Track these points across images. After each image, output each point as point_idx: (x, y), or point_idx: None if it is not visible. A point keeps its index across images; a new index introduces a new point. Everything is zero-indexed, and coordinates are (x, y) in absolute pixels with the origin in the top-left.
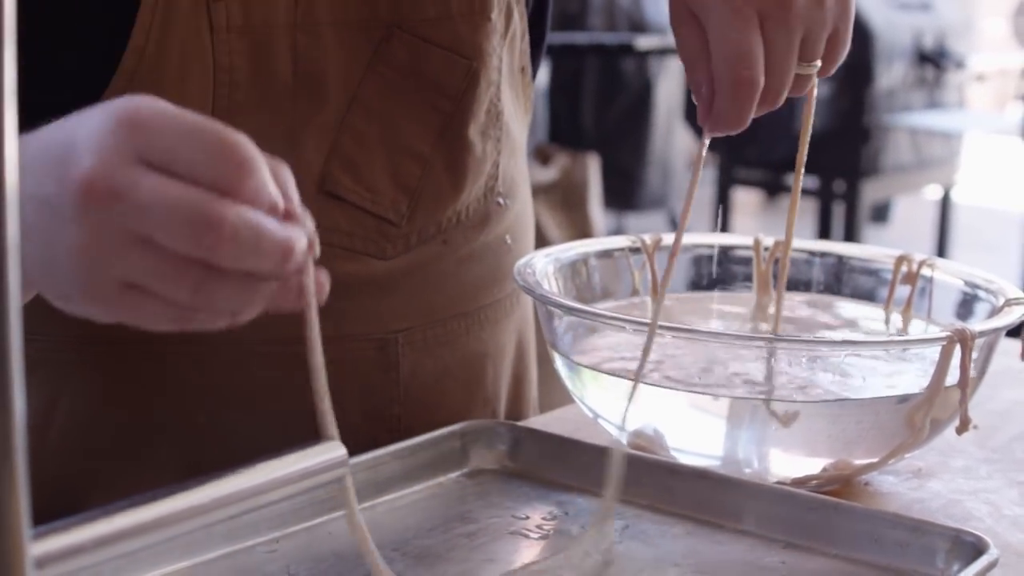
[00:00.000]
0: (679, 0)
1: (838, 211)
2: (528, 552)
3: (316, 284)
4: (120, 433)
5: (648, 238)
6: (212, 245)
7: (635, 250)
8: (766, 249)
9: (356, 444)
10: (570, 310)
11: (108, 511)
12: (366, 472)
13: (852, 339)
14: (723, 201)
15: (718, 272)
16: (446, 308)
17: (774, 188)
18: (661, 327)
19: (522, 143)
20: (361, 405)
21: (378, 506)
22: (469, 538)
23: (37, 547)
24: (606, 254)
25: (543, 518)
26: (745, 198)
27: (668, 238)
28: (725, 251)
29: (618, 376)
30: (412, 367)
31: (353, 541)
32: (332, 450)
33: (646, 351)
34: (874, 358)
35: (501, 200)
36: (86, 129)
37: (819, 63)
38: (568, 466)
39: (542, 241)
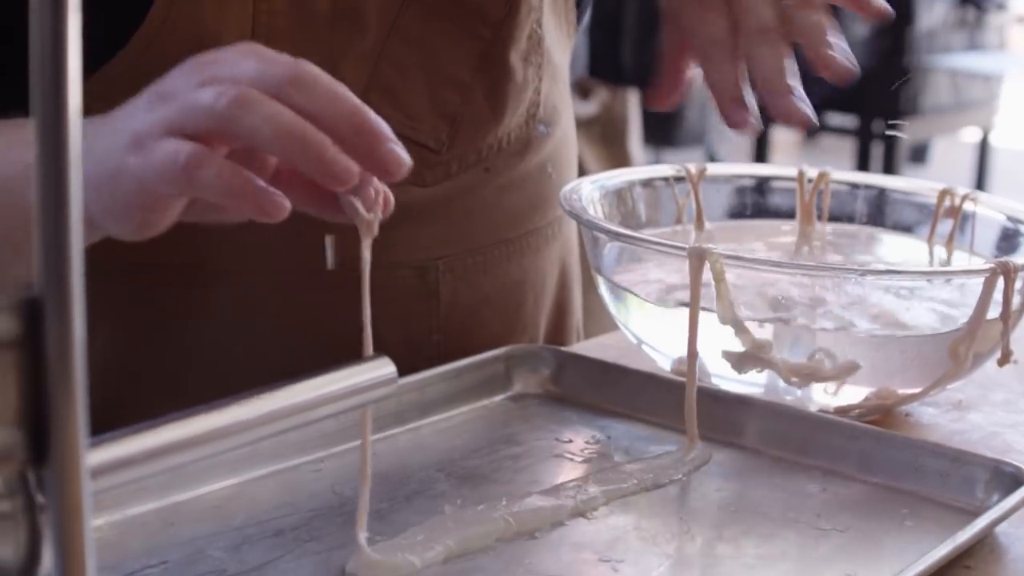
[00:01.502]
0: None
1: (876, 152)
2: (572, 475)
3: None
4: (156, 360)
5: (693, 167)
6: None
7: (679, 179)
8: (810, 181)
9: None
10: (616, 235)
11: (160, 423)
12: (411, 394)
13: (896, 269)
14: (762, 139)
15: (760, 203)
16: (486, 236)
17: (812, 127)
18: (711, 253)
19: (564, 70)
20: (401, 333)
21: (423, 427)
22: (513, 460)
23: (94, 456)
24: (651, 182)
25: (586, 442)
26: (782, 136)
27: (713, 167)
28: (767, 182)
29: (663, 303)
30: (452, 295)
31: (399, 460)
32: (381, 367)
33: (696, 281)
34: (917, 289)
35: (543, 127)
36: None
37: None
38: (611, 391)
39: (582, 175)
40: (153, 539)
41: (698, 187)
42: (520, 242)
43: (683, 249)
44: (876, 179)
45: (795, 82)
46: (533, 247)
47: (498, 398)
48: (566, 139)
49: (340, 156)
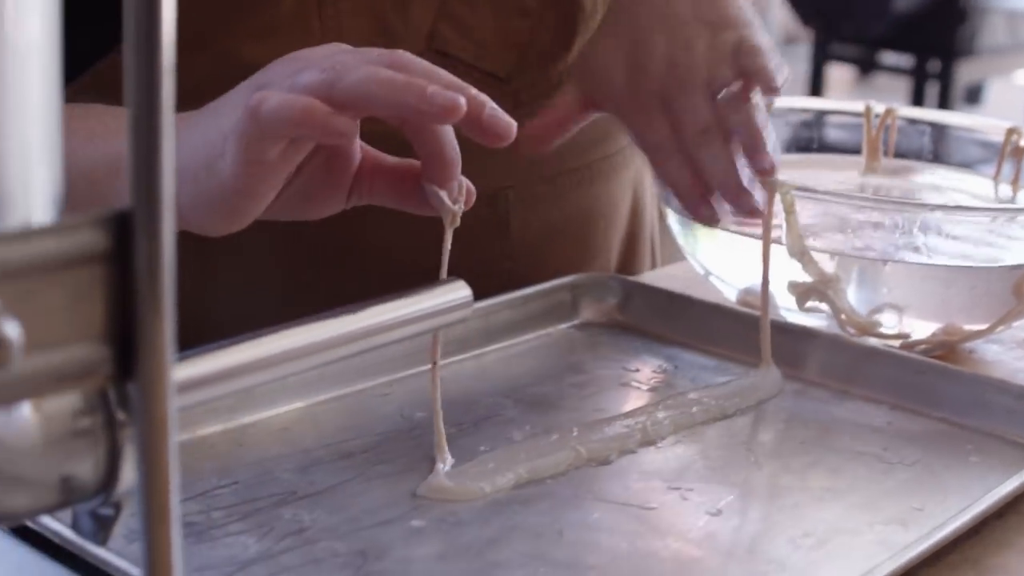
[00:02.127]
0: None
1: (931, 92)
2: (639, 404)
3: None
4: (232, 289)
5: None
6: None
7: None
8: (876, 115)
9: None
10: None
11: (242, 341)
12: (476, 321)
13: (966, 206)
14: (817, 77)
15: (823, 138)
16: (555, 164)
17: (868, 65)
18: (783, 184)
19: None
20: (472, 262)
21: (488, 354)
22: (580, 388)
23: (180, 371)
24: None
25: (653, 371)
26: (838, 74)
27: (781, 101)
28: (827, 116)
29: (732, 231)
30: (522, 223)
31: (466, 386)
32: (457, 290)
33: (769, 210)
34: (984, 226)
35: None
36: None
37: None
38: (677, 321)
39: None
40: (222, 460)
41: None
42: (589, 170)
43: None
44: (941, 116)
45: (742, 172)
46: (603, 175)
47: (564, 326)
48: None
49: (442, 91)
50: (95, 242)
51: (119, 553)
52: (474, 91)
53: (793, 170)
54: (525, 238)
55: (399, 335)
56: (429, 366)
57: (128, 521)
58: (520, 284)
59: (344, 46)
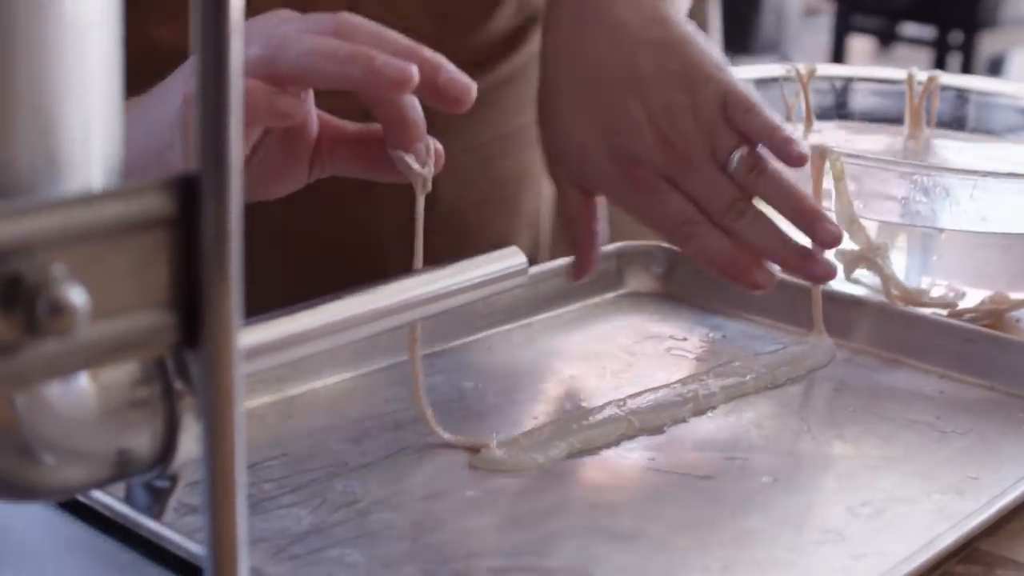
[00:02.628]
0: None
1: (953, 62)
2: (689, 373)
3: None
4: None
5: (803, 68)
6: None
7: (788, 79)
8: (919, 83)
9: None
10: None
11: (304, 308)
12: (525, 289)
13: (1019, 172)
14: (838, 49)
15: (866, 104)
16: (479, 132)
17: (888, 37)
18: (832, 152)
19: None
20: (399, 231)
21: (535, 324)
22: (629, 357)
23: (246, 338)
24: (762, 82)
25: (701, 340)
26: (859, 46)
27: (823, 68)
28: (853, 83)
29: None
30: (449, 193)
31: (513, 355)
32: (513, 257)
33: (818, 177)
34: None
35: (529, 22)
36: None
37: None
38: (723, 290)
39: None
40: (272, 431)
41: (807, 88)
42: (514, 138)
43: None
44: (983, 83)
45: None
46: (529, 143)
47: (610, 295)
48: None
49: (392, 60)
50: (161, 206)
51: (171, 526)
52: (428, 53)
53: (837, 137)
54: (454, 209)
55: (458, 301)
56: (479, 335)
57: (179, 494)
58: (447, 255)
59: (287, 13)
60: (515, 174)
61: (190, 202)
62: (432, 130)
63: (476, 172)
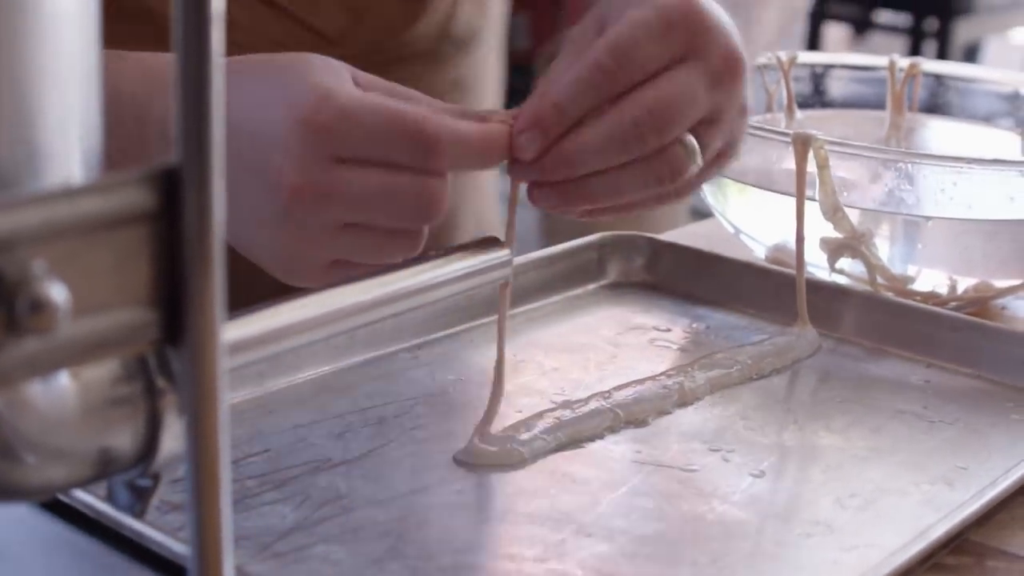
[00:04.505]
0: None
1: (928, 50)
2: (673, 364)
3: None
4: None
5: (784, 55)
6: (432, 214)
7: (768, 67)
8: (901, 70)
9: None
10: None
11: (287, 301)
12: None
13: (1004, 159)
14: (813, 36)
15: (843, 92)
16: None
17: (863, 24)
18: (816, 140)
19: None
20: None
21: (517, 316)
22: (613, 348)
23: (229, 333)
24: None
25: (684, 331)
26: (834, 33)
27: (804, 56)
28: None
29: (764, 189)
30: None
31: (495, 348)
32: (496, 249)
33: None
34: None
35: (452, 45)
36: (269, 126)
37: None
38: (707, 280)
39: None
40: (253, 426)
41: (789, 75)
42: None
43: (787, 135)
44: (965, 70)
45: None
46: None
47: (592, 286)
48: (484, 65)
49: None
50: (142, 200)
51: (154, 525)
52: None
53: (818, 125)
54: None
55: (442, 294)
56: (457, 329)
57: (160, 492)
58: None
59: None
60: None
61: (171, 195)
62: None
63: None
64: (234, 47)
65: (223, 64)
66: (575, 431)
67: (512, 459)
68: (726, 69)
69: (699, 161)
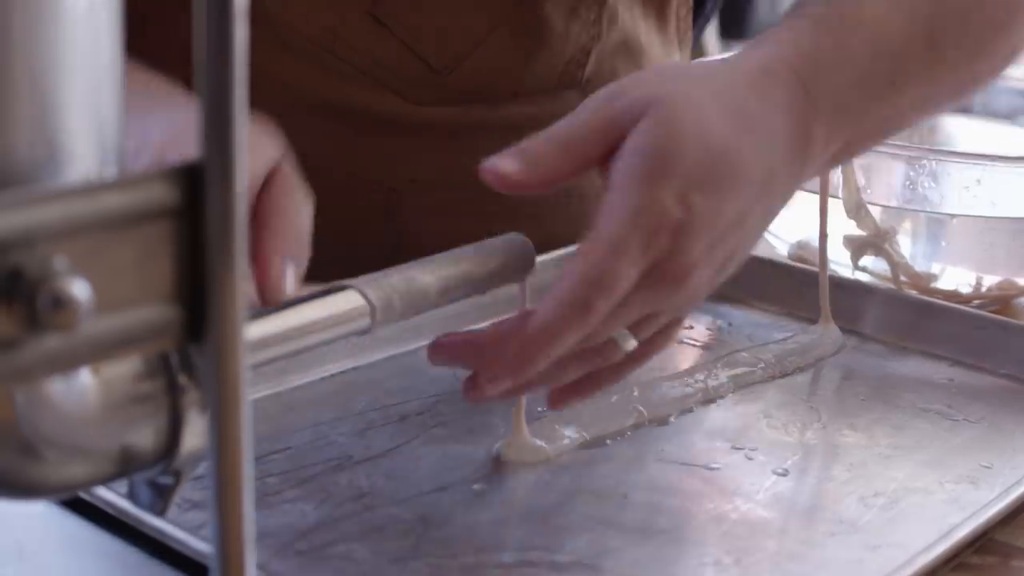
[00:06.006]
0: None
1: None
2: (696, 362)
3: None
4: None
5: None
6: None
7: None
8: None
9: None
10: None
11: (309, 299)
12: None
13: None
14: None
15: None
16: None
17: None
18: None
19: (653, 59)
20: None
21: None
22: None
23: (252, 331)
24: None
25: (707, 329)
26: None
27: None
28: None
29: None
30: (418, 224)
31: None
32: (521, 242)
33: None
34: None
35: (579, 90)
36: None
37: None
38: (730, 278)
39: None
40: (275, 424)
41: None
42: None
43: None
44: None
45: None
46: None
47: None
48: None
49: None
50: (164, 197)
51: (174, 523)
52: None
53: None
54: (420, 239)
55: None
56: (479, 326)
57: (180, 489)
58: None
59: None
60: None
61: (194, 192)
62: (408, 153)
63: (445, 212)
64: (333, 60)
65: (246, 60)
66: (598, 429)
67: (538, 456)
68: (678, 280)
69: (630, 347)
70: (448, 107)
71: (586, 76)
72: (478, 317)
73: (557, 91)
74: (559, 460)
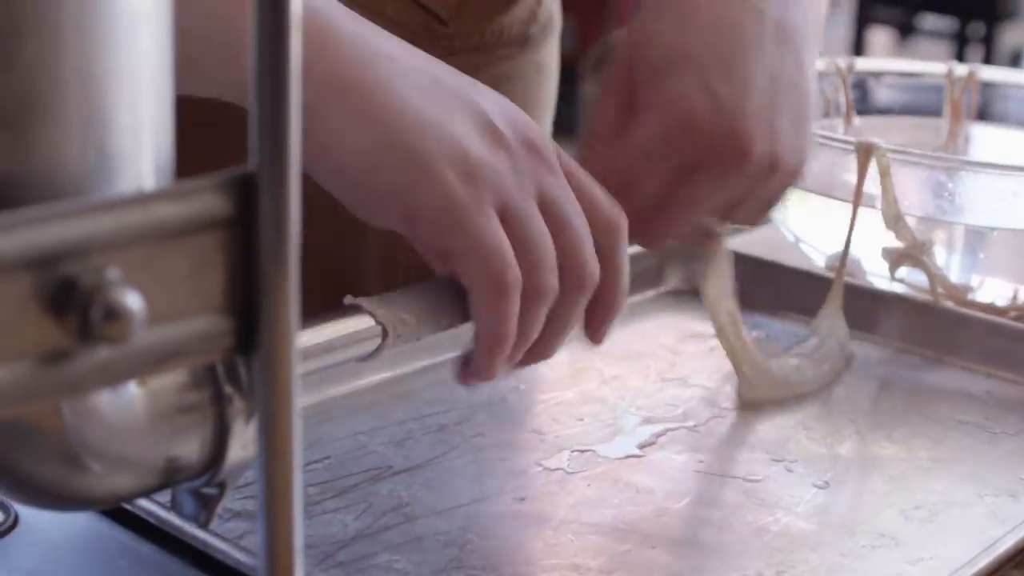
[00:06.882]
0: None
1: (973, 55)
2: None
3: None
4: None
5: (842, 62)
6: None
7: (824, 73)
8: (959, 78)
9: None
10: None
11: (352, 311)
12: None
13: None
14: (858, 40)
15: (889, 98)
16: None
17: (908, 29)
18: (878, 148)
19: None
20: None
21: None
22: (671, 354)
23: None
24: None
25: None
26: (879, 39)
27: (862, 62)
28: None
29: (826, 196)
30: None
31: (558, 354)
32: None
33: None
34: None
35: (537, 30)
36: None
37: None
38: (765, 288)
39: None
40: (313, 433)
41: (847, 81)
42: None
43: (850, 143)
44: (1018, 76)
45: None
46: None
47: (650, 293)
48: (552, 51)
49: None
50: (217, 206)
51: (215, 532)
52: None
53: (876, 132)
54: None
55: None
56: None
57: (223, 500)
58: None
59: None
60: None
61: (247, 201)
62: None
63: None
64: None
65: (300, 67)
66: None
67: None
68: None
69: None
70: (451, 58)
71: (540, 14)
72: None
73: (525, 33)
74: (597, 472)
